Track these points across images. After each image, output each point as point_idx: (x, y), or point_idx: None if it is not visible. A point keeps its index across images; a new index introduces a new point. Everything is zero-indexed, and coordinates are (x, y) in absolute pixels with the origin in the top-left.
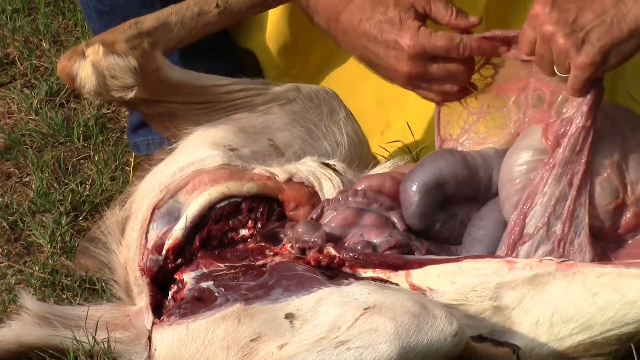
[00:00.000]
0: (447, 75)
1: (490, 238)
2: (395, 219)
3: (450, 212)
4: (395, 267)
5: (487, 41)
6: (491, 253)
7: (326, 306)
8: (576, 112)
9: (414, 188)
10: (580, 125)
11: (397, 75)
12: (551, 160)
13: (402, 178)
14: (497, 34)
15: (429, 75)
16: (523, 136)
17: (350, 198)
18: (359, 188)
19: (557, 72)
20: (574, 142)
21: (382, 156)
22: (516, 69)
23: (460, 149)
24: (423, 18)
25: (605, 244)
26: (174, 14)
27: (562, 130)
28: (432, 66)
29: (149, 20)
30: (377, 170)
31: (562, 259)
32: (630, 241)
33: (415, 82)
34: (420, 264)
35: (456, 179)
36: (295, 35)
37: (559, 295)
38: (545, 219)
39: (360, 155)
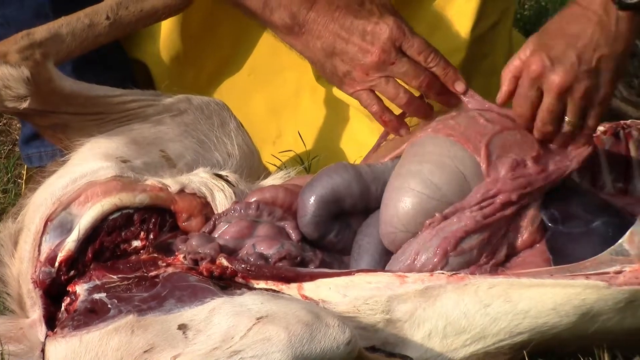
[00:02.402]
0: (412, 72)
1: (376, 245)
2: (289, 230)
3: (345, 222)
4: (287, 280)
5: (454, 71)
6: (377, 260)
7: (219, 316)
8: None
9: (312, 200)
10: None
11: (365, 60)
12: (499, 193)
13: (295, 189)
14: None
15: (396, 66)
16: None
17: (243, 210)
18: (252, 200)
19: (566, 124)
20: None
21: (275, 165)
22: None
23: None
24: None
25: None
26: (65, 26)
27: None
28: (402, 58)
29: (41, 32)
30: (270, 180)
31: (453, 272)
32: (525, 250)
33: (380, 69)
34: (312, 277)
35: (351, 195)
36: (188, 46)
37: (451, 307)
38: (479, 243)
39: (251, 166)
